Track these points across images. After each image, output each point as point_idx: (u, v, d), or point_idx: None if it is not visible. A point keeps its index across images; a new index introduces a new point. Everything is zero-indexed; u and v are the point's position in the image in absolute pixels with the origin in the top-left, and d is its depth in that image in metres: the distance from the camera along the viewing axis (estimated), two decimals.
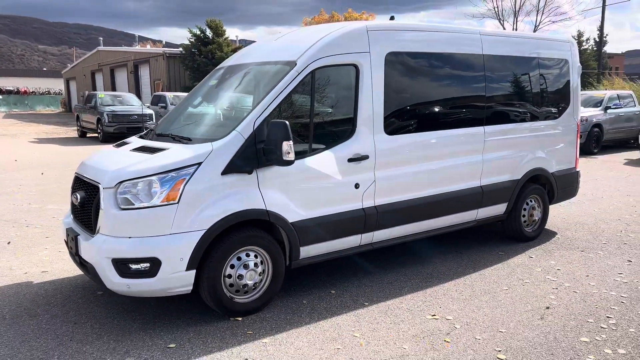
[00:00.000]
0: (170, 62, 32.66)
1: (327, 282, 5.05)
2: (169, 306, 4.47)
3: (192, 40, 31.48)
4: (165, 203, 3.91)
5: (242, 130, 4.16)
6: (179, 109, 5.50)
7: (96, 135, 21.19)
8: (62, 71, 54.46)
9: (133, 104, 21.91)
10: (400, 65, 5.06)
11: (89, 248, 4.10)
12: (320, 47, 4.56)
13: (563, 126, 6.66)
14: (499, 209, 6.07)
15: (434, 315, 4.33)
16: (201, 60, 30.29)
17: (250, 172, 4.18)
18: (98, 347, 3.80)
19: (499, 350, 3.74)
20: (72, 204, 4.61)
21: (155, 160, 4.08)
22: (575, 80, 6.80)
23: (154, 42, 66.53)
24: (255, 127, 4.18)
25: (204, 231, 4.00)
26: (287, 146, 4.04)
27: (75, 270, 5.39)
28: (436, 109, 5.44)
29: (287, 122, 4.04)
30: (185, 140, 4.47)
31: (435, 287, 4.94)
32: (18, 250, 6.16)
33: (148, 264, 3.89)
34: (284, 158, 4.06)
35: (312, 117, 4.54)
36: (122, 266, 3.92)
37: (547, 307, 4.45)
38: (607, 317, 4.29)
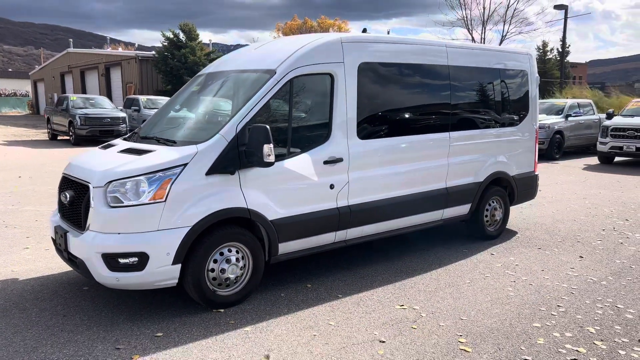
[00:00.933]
0: (142, 65, 32.56)
1: (303, 277, 5.38)
2: (152, 299, 4.72)
3: (165, 43, 31.46)
4: (153, 201, 4.17)
5: (225, 134, 4.46)
6: (161, 113, 5.76)
7: (68, 138, 21.05)
8: (30, 72, 53.48)
9: (106, 107, 21.85)
10: (372, 74, 5.44)
11: (78, 244, 4.33)
12: (298, 57, 4.90)
13: (523, 132, 7.16)
14: (464, 209, 6.50)
15: (402, 305, 4.70)
16: (174, 63, 30.32)
17: (232, 173, 4.48)
18: (88, 336, 4.04)
19: (460, 335, 4.12)
20: (60, 203, 4.82)
21: (142, 161, 4.34)
22: (533, 89, 7.31)
23: (126, 44, 65.90)
24: (237, 130, 4.49)
25: (189, 228, 4.28)
26: (268, 149, 4.35)
27: (60, 267, 5.58)
28: (405, 115, 5.84)
29: (267, 127, 4.36)
30: (170, 142, 4.74)
31: (404, 281, 5.31)
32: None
33: (136, 258, 4.15)
34: (265, 160, 4.38)
35: (290, 122, 4.87)
36: (111, 260, 4.16)
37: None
38: (558, 305, 4.73)
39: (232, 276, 4.56)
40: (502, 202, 7.01)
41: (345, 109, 5.17)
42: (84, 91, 38.40)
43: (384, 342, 3.99)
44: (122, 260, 4.17)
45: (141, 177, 4.22)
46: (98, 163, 4.58)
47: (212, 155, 4.39)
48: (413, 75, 5.87)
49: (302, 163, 4.90)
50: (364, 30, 5.88)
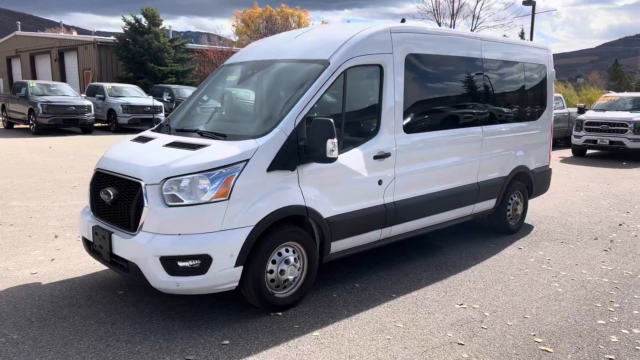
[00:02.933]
0: (102, 51, 31.16)
1: (347, 276, 5.19)
2: (197, 303, 4.42)
3: (126, 29, 30.22)
4: (216, 200, 3.88)
5: (284, 128, 4.21)
6: (190, 103, 5.41)
7: (27, 126, 19.90)
8: None
9: (68, 95, 20.71)
10: (417, 66, 5.28)
11: (129, 246, 3.99)
12: (350, 47, 4.68)
13: (541, 126, 7.20)
14: (490, 204, 6.47)
15: (462, 304, 4.60)
16: (136, 50, 29.17)
17: (293, 169, 4.24)
18: (149, 347, 3.72)
19: (533, 334, 4.06)
20: (97, 201, 4.44)
21: (201, 157, 4.03)
22: (551, 84, 7.36)
23: (79, 30, 62.87)
24: (296, 124, 4.24)
25: (252, 227, 4.02)
26: (332, 144, 4.13)
27: (82, 269, 5.19)
28: (445, 109, 5.73)
29: (332, 120, 4.14)
30: (219, 136, 4.43)
31: (449, 279, 5.22)
32: (4, 250, 5.79)
33: (199, 261, 3.86)
34: (328, 155, 4.15)
35: (343, 115, 4.66)
36: (170, 264, 3.85)
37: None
38: (611, 301, 4.76)
39: (290, 277, 4.33)
40: (523, 196, 7.04)
41: (393, 102, 5.00)
42: (34, 77, 36.40)
43: (462, 344, 3.88)
44: (182, 264, 3.86)
45: (201, 174, 3.91)
46: (147, 158, 4.22)
47: (272, 150, 4.13)
48: (453, 67, 5.76)
49: (354, 158, 4.70)
50: (402, 20, 5.68)
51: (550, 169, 7.60)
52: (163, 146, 4.39)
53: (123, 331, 3.95)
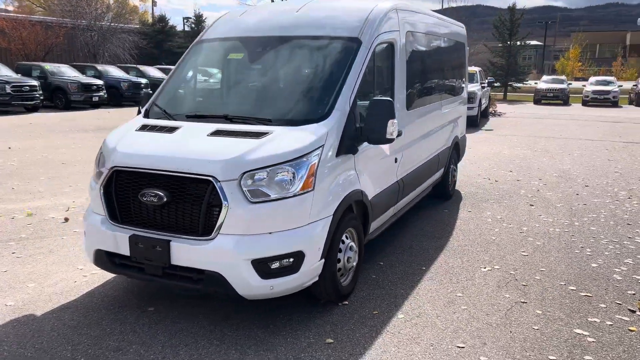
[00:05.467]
0: None
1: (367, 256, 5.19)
2: (251, 309, 4.05)
3: None
4: (303, 191, 3.56)
5: (343, 110, 4.00)
6: (187, 85, 4.75)
7: None
8: None
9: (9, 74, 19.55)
10: (412, 44, 5.40)
11: (205, 253, 3.45)
12: (376, 25, 4.58)
13: (463, 99, 7.94)
14: (441, 172, 7.00)
15: (486, 267, 4.98)
16: None
17: (355, 152, 4.08)
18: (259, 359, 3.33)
19: (564, 284, 4.61)
20: (120, 206, 3.72)
21: (277, 146, 3.62)
22: (466, 60, 8.13)
23: None
24: (350, 106, 4.07)
25: (331, 217, 3.80)
26: (392, 125, 4.08)
27: (88, 282, 4.30)
28: (426, 86, 5.99)
29: (392, 100, 4.07)
30: (265, 121, 4.01)
31: (449, 246, 5.57)
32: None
33: (292, 259, 3.53)
34: (388, 137, 4.09)
35: (375, 95, 4.59)
36: (263, 266, 3.46)
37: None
38: (581, 247, 5.59)
39: (354, 264, 4.21)
40: (456, 163, 7.73)
41: (401, 79, 5.07)
42: None
43: (525, 302, 4.24)
44: (274, 265, 3.49)
45: (285, 165, 3.54)
46: (205, 151, 3.62)
47: (337, 134, 3.91)
48: (432, 45, 6.04)
49: None
50: None
51: (465, 137, 8.44)
52: (208, 136, 3.81)
53: (213, 350, 3.44)
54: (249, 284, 3.45)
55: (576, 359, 3.41)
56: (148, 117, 4.48)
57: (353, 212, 4.22)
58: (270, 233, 3.48)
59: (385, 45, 4.78)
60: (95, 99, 21.83)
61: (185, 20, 43.55)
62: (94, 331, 3.69)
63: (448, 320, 3.92)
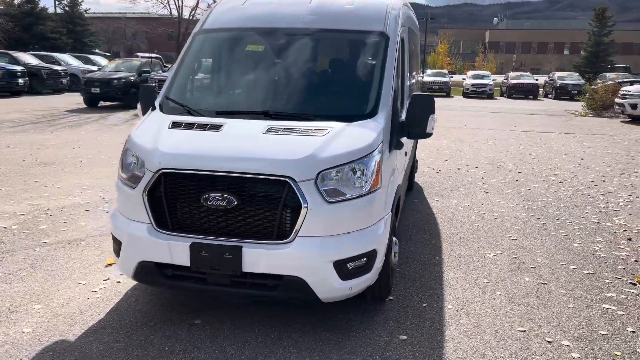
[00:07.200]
0: None
1: None
2: (292, 311, 3.92)
3: None
4: (375, 188, 3.50)
5: (388, 105, 3.99)
6: (204, 80, 4.41)
7: None
8: None
9: None
10: (410, 40, 5.51)
11: (284, 257, 3.25)
12: (397, 20, 4.59)
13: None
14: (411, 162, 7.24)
15: (490, 254, 5.27)
16: None
17: (400, 148, 4.09)
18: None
19: (564, 264, 5.04)
20: (171, 211, 3.38)
21: (346, 143, 3.49)
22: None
23: None
24: (392, 100, 4.07)
25: (390, 213, 3.79)
26: (433, 120, 4.15)
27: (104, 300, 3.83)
28: (410, 80, 6.12)
29: (433, 96, 4.14)
30: (312, 117, 3.85)
31: (444, 236, 5.81)
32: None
33: (365, 259, 3.46)
34: (428, 131, 4.15)
35: (403, 89, 4.64)
36: (343, 267, 3.35)
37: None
38: (554, 228, 6.13)
39: (397, 258, 4.23)
40: (414, 154, 8.03)
41: (405, 75, 5.16)
42: None
43: (545, 284, 4.56)
44: (352, 265, 3.40)
45: (357, 162, 3.45)
46: (276, 150, 3.37)
47: (388, 129, 3.89)
48: (415, 41, 6.16)
49: None
50: None
51: None
52: (264, 134, 3.57)
53: (292, 358, 3.27)
54: (331, 287, 3.33)
55: (621, 331, 3.77)
56: (163, 112, 4.09)
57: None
58: (348, 233, 3.38)
59: (400, 40, 4.82)
60: None
61: (57, 2, 39.71)
62: (151, 351, 3.32)
63: (493, 306, 4.10)
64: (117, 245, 3.63)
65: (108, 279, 4.38)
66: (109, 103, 19.69)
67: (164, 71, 20.82)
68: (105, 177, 8.02)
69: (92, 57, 30.97)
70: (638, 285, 4.58)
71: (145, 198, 3.42)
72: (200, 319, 3.73)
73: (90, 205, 6.51)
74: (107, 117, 16.21)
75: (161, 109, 4.16)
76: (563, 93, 32.02)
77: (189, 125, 3.76)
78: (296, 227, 3.26)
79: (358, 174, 3.45)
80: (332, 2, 4.75)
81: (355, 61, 4.43)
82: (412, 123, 4.08)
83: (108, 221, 3.87)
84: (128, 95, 18.78)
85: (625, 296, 4.34)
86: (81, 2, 39.13)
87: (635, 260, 5.15)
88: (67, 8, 37.99)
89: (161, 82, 18.12)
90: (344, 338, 3.54)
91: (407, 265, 4.86)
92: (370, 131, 3.68)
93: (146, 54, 29.28)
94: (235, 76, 4.57)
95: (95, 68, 26.24)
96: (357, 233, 3.41)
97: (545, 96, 34.53)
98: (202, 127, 3.72)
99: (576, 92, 31.06)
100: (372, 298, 4.06)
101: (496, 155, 11.09)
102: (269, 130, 3.61)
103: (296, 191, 3.24)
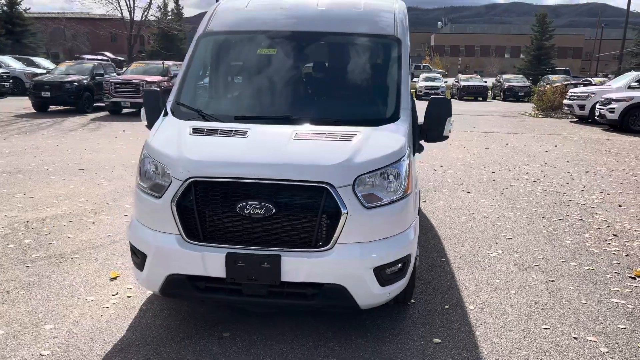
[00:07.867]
0: None
1: None
2: (324, 320, 3.86)
3: None
4: (408, 193, 3.49)
5: (408, 109, 3.99)
6: (214, 84, 4.25)
7: None
8: None
9: None
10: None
11: (324, 265, 3.18)
12: (404, 22, 4.60)
13: None
14: None
15: (494, 253, 5.37)
16: None
17: (421, 151, 4.10)
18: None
19: (564, 260, 5.21)
20: (202, 221, 3.24)
21: (379, 147, 3.45)
22: None
23: None
24: (411, 104, 4.08)
25: (417, 217, 3.78)
26: (450, 123, 4.19)
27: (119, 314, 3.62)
28: None
29: (450, 99, 4.17)
30: (336, 122, 3.79)
31: (446, 236, 5.87)
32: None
33: (401, 264, 3.44)
34: (445, 134, 4.19)
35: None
36: (382, 273, 3.32)
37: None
38: (545, 221, 6.34)
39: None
40: None
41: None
42: None
43: (553, 280, 4.69)
44: (389, 271, 3.37)
45: (390, 167, 3.41)
46: (312, 156, 3.28)
47: (410, 134, 3.89)
48: None
49: None
50: None
51: None
52: (293, 139, 3.49)
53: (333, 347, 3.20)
54: (371, 293, 3.29)
55: (637, 324, 3.91)
56: (175, 117, 3.94)
57: None
58: (386, 239, 3.35)
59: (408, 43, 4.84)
60: None
61: None
62: None
63: (512, 305, 4.17)
64: (140, 258, 3.44)
65: (117, 293, 4.16)
66: (59, 107, 18.83)
67: (118, 74, 20.11)
68: (80, 186, 7.64)
69: (34, 59, 29.55)
70: (638, 279, 4.78)
71: (174, 208, 3.26)
72: (228, 332, 3.60)
73: (72, 217, 6.17)
74: (61, 122, 15.50)
75: (173, 115, 3.99)
76: (511, 95, 33.24)
77: (212, 132, 3.62)
78: (336, 234, 3.20)
79: (391, 178, 3.42)
80: (339, 5, 4.71)
81: (371, 65, 4.41)
82: (430, 126, 4.10)
83: (127, 232, 3.65)
84: (81, 100, 18.04)
85: (630, 290, 4.52)
86: (20, 1, 37.24)
87: (627, 255, 5.38)
88: (5, 8, 36.02)
89: (117, 85, 17.54)
90: (379, 344, 3.51)
91: (418, 267, 4.86)
92: (399, 135, 3.67)
93: (97, 56, 28.23)
94: (251, 80, 4.44)
95: (39, 71, 25.09)
96: (393, 238, 3.38)
97: (494, 98, 35.72)
98: (226, 133, 3.59)
99: (522, 93, 32.40)
100: (396, 302, 4.04)
101: (466, 156, 11.36)
102: (298, 135, 3.53)
103: (335, 197, 3.18)
